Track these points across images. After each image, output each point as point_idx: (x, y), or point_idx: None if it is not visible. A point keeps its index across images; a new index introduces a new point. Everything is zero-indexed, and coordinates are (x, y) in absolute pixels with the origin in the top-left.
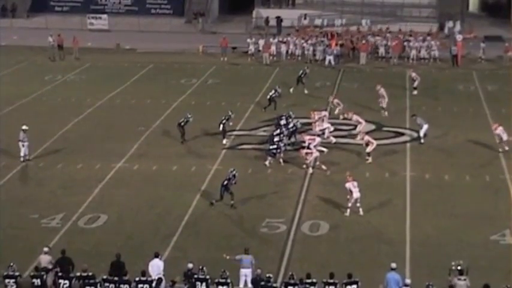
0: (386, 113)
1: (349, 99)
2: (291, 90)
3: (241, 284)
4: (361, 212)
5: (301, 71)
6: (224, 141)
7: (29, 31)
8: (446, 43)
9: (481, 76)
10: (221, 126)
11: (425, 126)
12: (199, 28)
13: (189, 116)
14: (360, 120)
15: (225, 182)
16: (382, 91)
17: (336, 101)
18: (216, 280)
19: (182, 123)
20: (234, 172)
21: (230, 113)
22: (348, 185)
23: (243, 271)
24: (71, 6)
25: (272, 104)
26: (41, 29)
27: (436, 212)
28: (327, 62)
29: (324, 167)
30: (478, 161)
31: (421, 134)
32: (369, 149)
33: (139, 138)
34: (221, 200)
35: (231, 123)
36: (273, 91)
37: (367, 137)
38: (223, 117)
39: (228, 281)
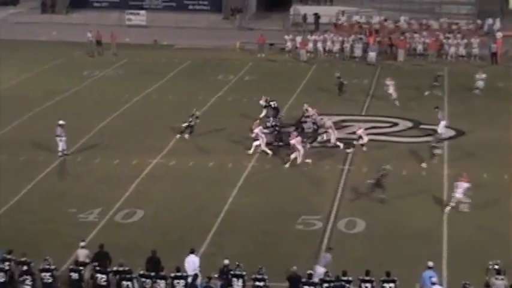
0: (397, 102)
1: (387, 96)
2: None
3: None
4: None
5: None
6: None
7: (68, 27)
8: (486, 40)
9: None
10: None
11: (442, 123)
12: (237, 24)
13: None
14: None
15: (378, 177)
16: (390, 83)
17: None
18: (253, 276)
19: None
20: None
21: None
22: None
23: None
24: (109, 2)
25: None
26: (79, 24)
27: (474, 210)
28: (368, 59)
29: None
30: None
31: (439, 130)
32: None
33: (176, 134)
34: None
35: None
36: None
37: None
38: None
39: (265, 277)
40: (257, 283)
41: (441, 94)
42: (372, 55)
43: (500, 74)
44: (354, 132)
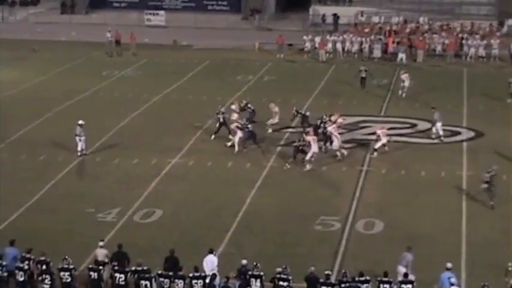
0: (404, 94)
1: (406, 97)
2: None
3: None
4: None
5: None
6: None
7: (88, 27)
8: (506, 41)
9: None
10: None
11: (438, 124)
12: (256, 25)
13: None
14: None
15: (488, 179)
16: (405, 76)
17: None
18: (277, 276)
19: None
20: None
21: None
22: None
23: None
24: (128, 2)
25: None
26: (99, 24)
27: (493, 213)
28: (398, 60)
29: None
30: None
31: (434, 130)
32: (377, 145)
33: (195, 134)
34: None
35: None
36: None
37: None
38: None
39: (290, 277)
40: (281, 283)
41: None
42: (402, 56)
43: None
44: (374, 133)
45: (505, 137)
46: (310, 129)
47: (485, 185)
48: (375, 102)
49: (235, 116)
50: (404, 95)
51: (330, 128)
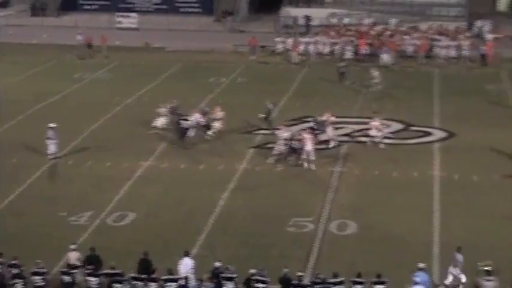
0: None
1: (378, 97)
2: None
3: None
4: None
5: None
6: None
7: (59, 29)
8: (476, 42)
9: (511, 75)
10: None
11: (374, 124)
12: (228, 27)
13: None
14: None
15: None
16: (376, 74)
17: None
18: (253, 277)
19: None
20: None
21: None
22: None
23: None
24: (100, 4)
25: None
26: (70, 27)
27: (465, 213)
28: (381, 62)
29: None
30: (507, 161)
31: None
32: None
33: (167, 137)
34: None
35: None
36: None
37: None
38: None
39: (266, 279)
40: (257, 285)
41: None
42: (386, 57)
43: (489, 76)
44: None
45: (477, 137)
46: (309, 130)
47: None
48: (348, 103)
49: (162, 120)
50: (373, 89)
51: (329, 130)
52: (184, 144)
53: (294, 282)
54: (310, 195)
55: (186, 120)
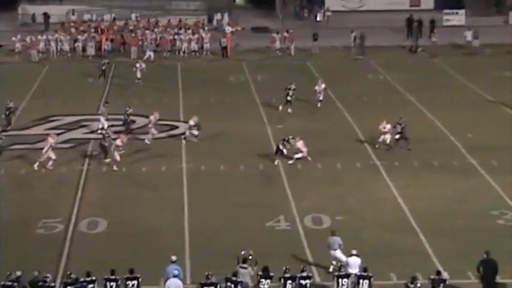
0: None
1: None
2: None
3: None
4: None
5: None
6: None
7: None
8: (215, 35)
9: (251, 67)
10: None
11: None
12: None
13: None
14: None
15: None
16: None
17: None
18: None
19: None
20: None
21: None
22: None
23: None
24: None
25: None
26: None
27: (213, 203)
28: (145, 57)
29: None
30: (252, 150)
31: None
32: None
33: None
34: None
35: None
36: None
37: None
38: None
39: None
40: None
41: None
42: (150, 54)
43: (231, 68)
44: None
45: (220, 129)
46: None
47: (398, 136)
48: (91, 101)
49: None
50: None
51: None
52: None
53: (40, 283)
54: (58, 196)
55: None
